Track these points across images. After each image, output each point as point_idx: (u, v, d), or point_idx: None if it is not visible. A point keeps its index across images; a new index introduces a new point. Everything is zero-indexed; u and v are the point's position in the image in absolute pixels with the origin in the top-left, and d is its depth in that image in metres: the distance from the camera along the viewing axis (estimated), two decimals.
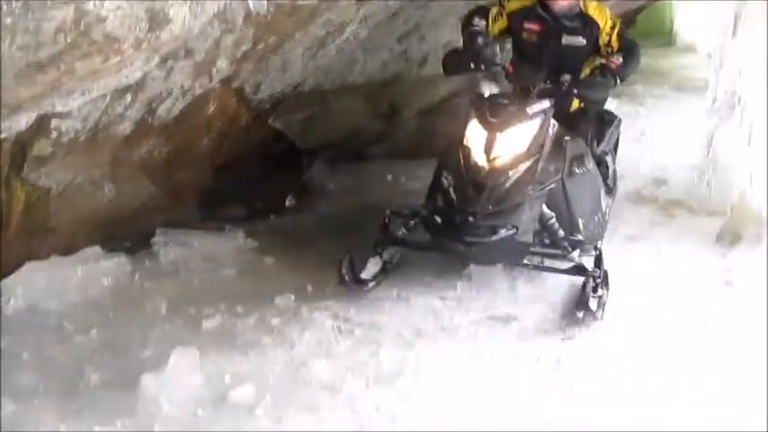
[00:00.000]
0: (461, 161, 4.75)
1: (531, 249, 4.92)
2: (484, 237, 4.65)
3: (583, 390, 4.09)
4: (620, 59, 5.03)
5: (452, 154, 4.85)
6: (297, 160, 6.99)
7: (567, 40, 5.15)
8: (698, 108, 6.94)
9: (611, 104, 8.04)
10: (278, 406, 3.89)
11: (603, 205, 5.40)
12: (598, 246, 5.13)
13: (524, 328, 4.65)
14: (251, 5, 4.57)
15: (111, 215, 5.29)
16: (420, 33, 7.12)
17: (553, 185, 4.86)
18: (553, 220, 4.93)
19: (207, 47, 4.84)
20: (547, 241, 4.99)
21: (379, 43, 6.85)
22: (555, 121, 4.90)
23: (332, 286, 4.96)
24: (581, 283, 4.93)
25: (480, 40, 4.99)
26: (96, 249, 5.15)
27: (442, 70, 5.19)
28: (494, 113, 4.75)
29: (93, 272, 5.01)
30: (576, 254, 4.94)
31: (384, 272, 5.10)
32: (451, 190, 4.74)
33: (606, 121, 5.74)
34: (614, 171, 5.86)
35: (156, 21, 3.48)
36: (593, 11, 5.17)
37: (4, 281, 4.64)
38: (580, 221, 5.02)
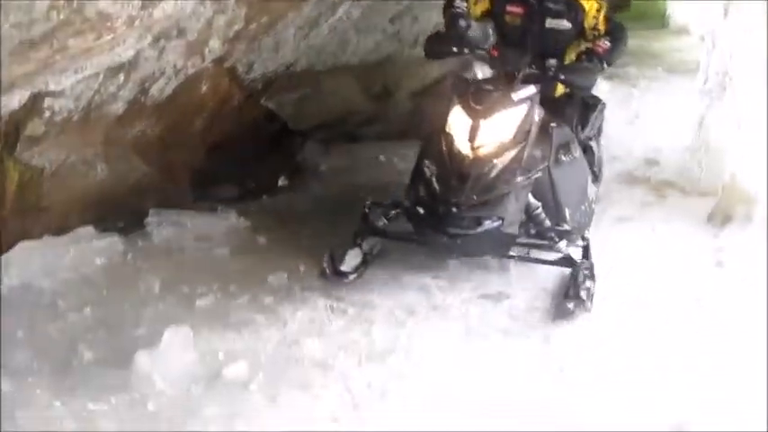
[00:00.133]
0: (444, 149, 4.62)
1: (517, 240, 4.79)
2: (468, 228, 4.52)
3: (573, 369, 4.10)
4: (608, 43, 4.92)
5: (435, 142, 4.72)
6: (289, 141, 7.00)
7: (550, 23, 5.01)
8: (690, 90, 6.91)
9: (603, 86, 8.13)
10: (271, 383, 3.91)
11: (590, 193, 5.30)
12: (586, 236, 5.01)
13: (515, 307, 4.66)
14: None
15: (104, 195, 5.30)
16: (413, 14, 7.13)
17: (539, 174, 4.73)
18: (539, 210, 4.82)
19: (199, 26, 4.85)
20: (533, 232, 4.85)
21: (371, 23, 6.86)
22: (541, 108, 4.79)
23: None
24: (569, 272, 4.83)
25: (462, 22, 4.87)
26: (89, 229, 5.15)
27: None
28: (478, 100, 4.60)
29: (86, 251, 5.00)
30: (563, 244, 4.82)
31: (365, 263, 4.97)
32: (434, 179, 4.61)
33: (590, 106, 5.57)
34: (600, 158, 5.75)
35: None
36: None
37: None
38: (567, 211, 4.90)
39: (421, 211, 4.64)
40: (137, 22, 3.54)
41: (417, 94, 7.55)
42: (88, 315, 4.46)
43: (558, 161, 4.87)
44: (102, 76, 4.55)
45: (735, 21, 5.81)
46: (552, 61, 4.80)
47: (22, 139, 4.54)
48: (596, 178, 5.58)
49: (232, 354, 4.13)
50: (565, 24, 5.03)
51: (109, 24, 3.39)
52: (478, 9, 5.13)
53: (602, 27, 5.03)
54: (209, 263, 5.14)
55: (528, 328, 4.48)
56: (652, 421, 3.72)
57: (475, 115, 4.56)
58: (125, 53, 4.08)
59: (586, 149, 5.42)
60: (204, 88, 5.74)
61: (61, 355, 4.10)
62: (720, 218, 5.68)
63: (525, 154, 4.62)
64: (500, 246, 4.78)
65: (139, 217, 5.46)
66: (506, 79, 4.74)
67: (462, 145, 4.56)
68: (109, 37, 3.48)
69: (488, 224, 4.53)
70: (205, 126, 6.04)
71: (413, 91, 7.60)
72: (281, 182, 6.63)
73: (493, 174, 4.52)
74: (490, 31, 5.04)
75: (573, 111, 5.32)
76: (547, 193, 4.83)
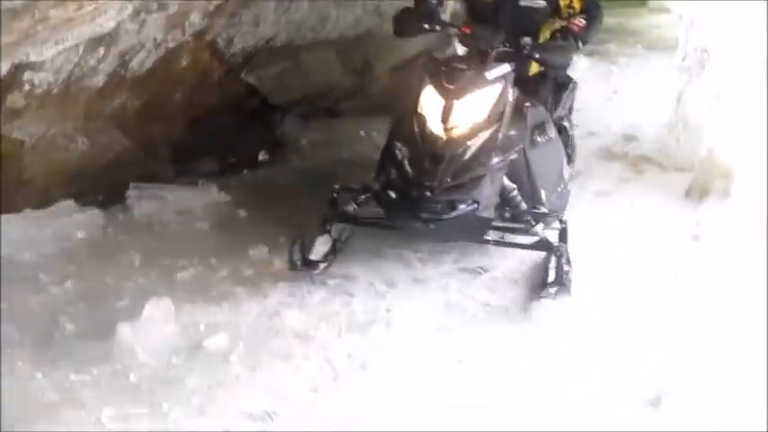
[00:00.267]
0: (416, 131, 4.44)
1: (493, 224, 4.62)
2: (442, 213, 4.33)
3: (552, 341, 4.15)
4: (583, 21, 4.81)
5: (406, 123, 4.53)
6: (269, 115, 6.99)
7: (524, 1, 4.89)
8: (669, 67, 6.95)
9: (582, 63, 8.18)
10: (252, 354, 3.94)
11: (566, 175, 5.20)
12: (563, 219, 4.89)
13: (495, 279, 4.70)
14: None
15: (85, 168, 5.30)
16: None
17: (515, 156, 4.58)
18: (515, 193, 4.70)
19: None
20: (508, 215, 4.70)
21: None
22: (515, 88, 4.62)
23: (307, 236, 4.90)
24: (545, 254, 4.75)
25: None
26: (70, 203, 5.16)
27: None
28: (450, 79, 4.43)
29: (66, 225, 5.01)
30: (539, 228, 4.69)
31: (334, 251, 4.78)
32: (406, 162, 4.41)
33: (561, 85, 5.41)
34: (572, 137, 5.62)
35: None
36: None
37: None
38: (543, 193, 4.79)
39: (392, 195, 4.44)
40: None
41: (397, 69, 7.55)
42: (69, 288, 4.47)
43: (533, 142, 4.76)
44: (82, 49, 4.54)
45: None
46: (527, 39, 4.66)
47: (2, 111, 4.52)
48: (570, 160, 5.48)
49: (213, 326, 4.16)
50: (539, 2, 4.91)
51: None
52: None
53: (577, 5, 4.92)
54: (189, 236, 5.15)
55: (507, 301, 4.52)
56: (629, 393, 3.76)
57: (447, 95, 4.40)
58: (106, 24, 4.07)
59: (561, 130, 5.31)
60: (184, 62, 5.74)
61: (43, 327, 4.12)
62: (698, 192, 5.73)
63: (500, 135, 4.46)
64: (475, 230, 4.62)
65: (120, 191, 5.45)
66: (479, 58, 4.59)
67: (435, 126, 4.40)
68: (90, 7, 3.48)
69: (463, 208, 4.35)
70: (185, 100, 6.03)
71: (393, 66, 7.60)
72: (262, 156, 6.63)
73: (467, 155, 4.37)
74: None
75: (546, 90, 5.20)
76: (522, 175, 4.71)
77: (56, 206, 5.09)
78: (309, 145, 6.80)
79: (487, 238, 4.73)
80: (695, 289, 4.65)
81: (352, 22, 7.22)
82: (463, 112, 4.40)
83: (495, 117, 4.47)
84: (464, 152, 4.36)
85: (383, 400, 3.69)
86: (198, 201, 5.55)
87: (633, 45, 10.31)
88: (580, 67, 7.85)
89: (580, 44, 4.85)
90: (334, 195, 4.81)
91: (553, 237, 4.77)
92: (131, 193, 5.45)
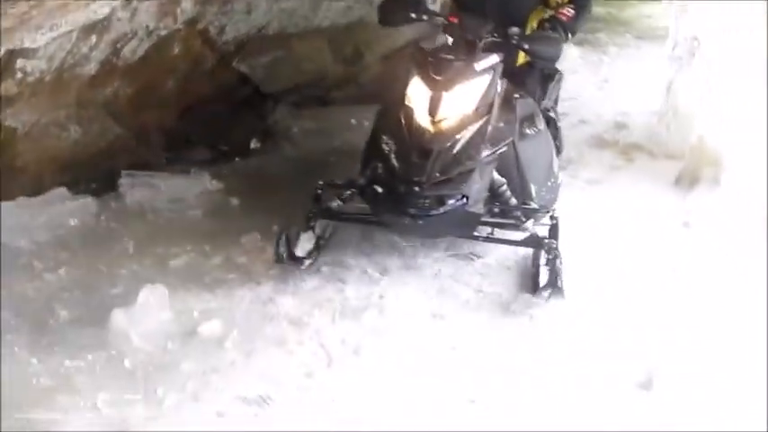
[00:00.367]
0: (403, 123, 4.30)
1: (482, 220, 4.52)
2: (431, 209, 4.21)
3: (545, 325, 4.19)
4: (572, 11, 4.69)
5: (392, 116, 4.40)
6: (261, 104, 7.00)
7: None
8: (659, 56, 6.97)
9: (573, 52, 8.20)
10: (246, 340, 3.98)
11: (555, 168, 5.02)
12: (554, 215, 4.74)
13: (487, 266, 4.73)
14: None
15: (77, 156, 5.32)
16: None
17: (504, 149, 4.44)
18: (505, 187, 4.56)
19: None
20: (496, 210, 4.57)
21: None
22: (503, 79, 4.50)
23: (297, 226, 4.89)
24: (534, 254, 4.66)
25: None
26: (62, 191, 5.16)
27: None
28: (438, 70, 4.27)
29: (60, 212, 5.01)
30: (530, 223, 4.55)
31: (317, 248, 4.68)
32: (393, 156, 4.28)
33: (547, 76, 5.24)
34: (559, 129, 5.48)
35: None
36: None
37: None
38: (533, 188, 4.65)
39: (379, 190, 4.33)
40: None
41: (388, 58, 7.56)
42: (63, 275, 4.49)
43: (522, 135, 4.61)
44: (74, 37, 4.55)
45: None
46: (515, 29, 4.53)
47: None
48: (559, 152, 5.33)
49: (207, 312, 4.19)
50: None
51: None
52: None
53: None
54: (182, 224, 5.16)
55: (500, 287, 4.54)
56: (621, 376, 3.81)
57: (435, 86, 4.25)
58: (100, 10, 4.08)
59: (549, 122, 5.15)
60: (176, 50, 5.75)
61: (38, 314, 4.14)
62: (688, 180, 5.75)
63: (489, 127, 4.34)
64: (464, 226, 4.52)
65: (112, 179, 5.45)
66: (467, 48, 4.43)
67: (423, 119, 4.25)
68: None
69: (452, 203, 4.24)
70: (177, 88, 6.04)
71: (384, 54, 7.61)
72: (254, 145, 6.62)
73: (456, 149, 4.23)
74: None
75: (534, 81, 5.07)
76: (512, 168, 4.57)
77: (49, 194, 5.09)
78: (301, 133, 6.79)
79: (476, 234, 4.66)
80: (686, 275, 4.67)
81: (344, 10, 7.22)
82: (452, 104, 4.26)
83: (485, 109, 4.35)
84: (453, 145, 4.22)
85: (377, 386, 3.73)
86: (190, 189, 5.54)
87: (623, 35, 10.31)
88: (570, 56, 7.88)
89: (569, 35, 4.73)
90: (318, 192, 4.69)
91: (543, 231, 4.67)
92: (124, 181, 5.45)
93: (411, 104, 4.32)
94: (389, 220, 4.46)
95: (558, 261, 4.45)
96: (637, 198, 5.66)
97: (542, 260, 4.56)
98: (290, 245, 4.55)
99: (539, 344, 4.06)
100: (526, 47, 4.51)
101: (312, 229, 4.68)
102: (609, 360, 3.92)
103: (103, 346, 3.87)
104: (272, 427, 3.49)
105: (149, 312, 4.05)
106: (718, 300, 4.42)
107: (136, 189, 5.43)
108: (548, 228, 4.71)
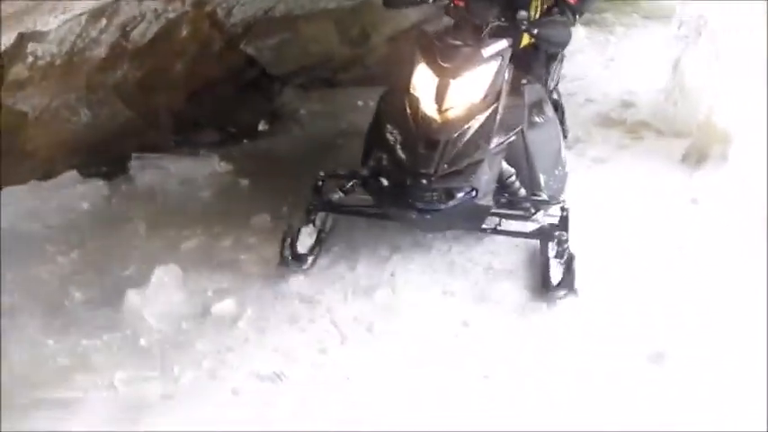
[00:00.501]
0: (409, 113, 4.15)
1: (491, 212, 4.36)
2: (439, 202, 4.09)
3: (555, 303, 4.20)
4: None
5: (397, 103, 4.25)
6: (268, 86, 7.01)
7: None
8: (666, 35, 6.99)
9: (580, 32, 8.18)
10: (259, 318, 4.03)
11: (563, 155, 4.83)
12: (564, 206, 4.53)
13: (497, 242, 4.71)
14: None
15: (88, 140, 5.35)
16: None
17: (513, 138, 4.27)
18: (513, 178, 4.41)
19: None
20: (504, 201, 4.43)
21: None
22: (510, 64, 4.31)
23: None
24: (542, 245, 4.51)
25: None
26: (73, 174, 5.22)
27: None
28: (445, 56, 4.10)
29: (71, 196, 5.07)
30: (540, 215, 4.41)
31: (319, 242, 4.57)
32: (398, 147, 4.13)
33: (550, 56, 5.07)
34: (564, 112, 5.40)
35: None
36: None
37: None
38: (542, 178, 4.49)
39: (384, 182, 4.20)
40: None
41: (394, 39, 7.55)
42: (76, 258, 4.54)
43: (531, 123, 4.44)
44: (84, 20, 4.57)
45: None
46: (523, 13, 4.31)
47: (6, 83, 4.56)
48: (565, 136, 5.18)
49: (220, 292, 4.24)
50: None
51: None
52: None
53: None
54: (192, 206, 5.20)
55: (510, 265, 4.55)
56: (631, 350, 3.84)
57: (442, 73, 4.08)
58: None
59: (557, 106, 5.06)
60: (184, 33, 5.76)
61: (52, 296, 4.20)
62: (695, 157, 5.73)
63: (498, 116, 4.18)
64: (473, 219, 4.38)
65: (122, 162, 5.49)
66: (472, 32, 4.25)
67: (429, 107, 4.09)
68: None
69: (461, 196, 4.10)
70: (186, 71, 6.06)
71: (390, 36, 7.60)
72: (262, 126, 6.64)
73: (464, 139, 4.07)
74: None
75: (540, 64, 4.92)
76: (521, 158, 4.42)
77: (60, 177, 5.15)
78: (308, 115, 6.81)
79: (485, 226, 4.50)
80: (694, 252, 4.68)
81: None
82: (459, 92, 4.10)
83: (493, 97, 4.19)
84: (461, 136, 4.07)
85: (391, 362, 3.77)
86: (200, 170, 5.58)
87: (630, 14, 10.27)
88: (577, 36, 7.86)
89: (576, 17, 4.59)
90: (319, 183, 4.59)
91: (552, 221, 4.51)
92: (134, 164, 5.49)
93: (417, 93, 4.18)
94: (395, 213, 4.35)
95: (571, 259, 4.32)
96: (644, 176, 5.64)
97: (552, 253, 4.44)
98: (294, 245, 4.45)
99: (549, 320, 4.09)
100: (536, 32, 4.34)
101: (313, 222, 4.59)
102: (618, 334, 3.94)
103: (118, 327, 3.93)
104: (288, 403, 3.53)
105: (163, 292, 4.10)
106: (726, 276, 4.42)
107: (146, 171, 5.47)
108: (557, 218, 4.52)
